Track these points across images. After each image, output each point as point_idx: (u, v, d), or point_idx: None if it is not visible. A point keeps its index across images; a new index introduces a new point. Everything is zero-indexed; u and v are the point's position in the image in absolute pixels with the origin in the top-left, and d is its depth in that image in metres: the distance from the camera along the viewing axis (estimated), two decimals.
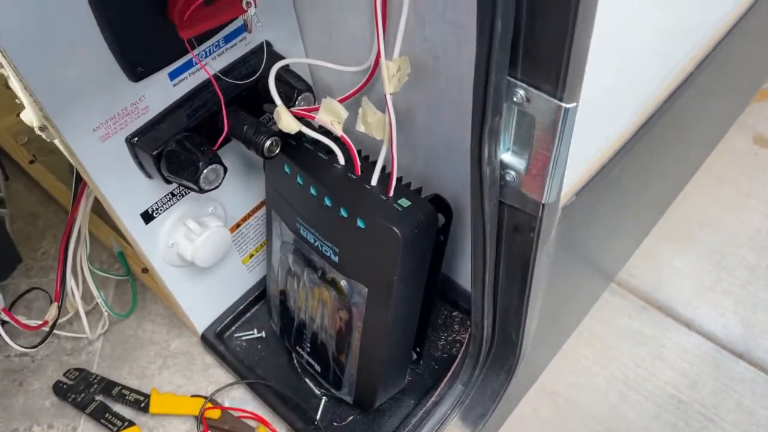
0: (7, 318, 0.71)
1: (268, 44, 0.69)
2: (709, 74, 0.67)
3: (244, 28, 0.62)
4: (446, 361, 0.82)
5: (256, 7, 0.57)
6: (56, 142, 0.93)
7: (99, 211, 0.82)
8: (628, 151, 0.59)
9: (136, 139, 0.63)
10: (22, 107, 1.01)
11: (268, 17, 0.66)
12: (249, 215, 0.83)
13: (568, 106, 0.39)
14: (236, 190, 0.78)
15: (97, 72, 0.57)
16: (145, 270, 0.94)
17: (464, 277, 0.86)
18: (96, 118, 0.59)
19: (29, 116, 0.95)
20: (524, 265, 0.56)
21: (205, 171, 0.61)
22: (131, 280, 0.94)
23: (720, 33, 0.65)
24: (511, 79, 0.41)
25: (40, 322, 0.76)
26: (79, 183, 0.76)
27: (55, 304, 0.77)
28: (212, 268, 0.81)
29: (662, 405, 0.93)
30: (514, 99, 0.41)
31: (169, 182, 0.65)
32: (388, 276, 0.63)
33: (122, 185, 0.65)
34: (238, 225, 0.82)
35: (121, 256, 0.94)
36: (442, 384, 0.75)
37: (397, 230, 0.60)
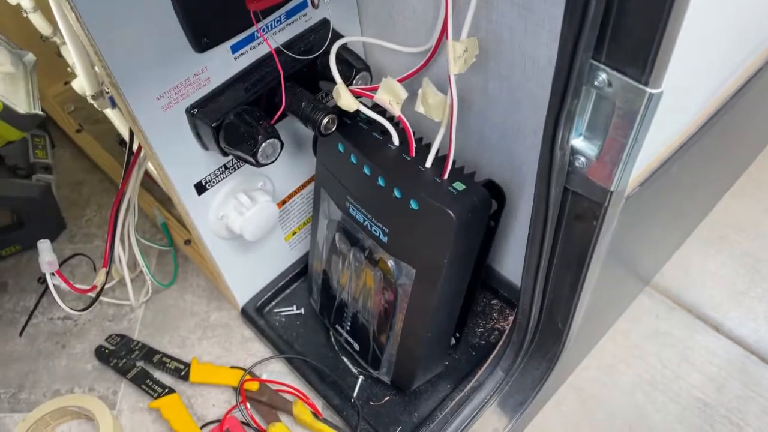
0: (59, 281, 0.72)
1: (327, 21, 0.69)
2: None
3: (311, 3, 0.62)
4: (484, 348, 0.82)
5: None
6: (107, 111, 0.95)
7: (143, 182, 0.84)
8: (690, 147, 0.58)
9: (196, 110, 0.63)
10: (72, 75, 1.02)
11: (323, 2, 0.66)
12: (295, 193, 0.83)
13: (654, 91, 0.39)
14: (285, 167, 0.79)
15: (165, 41, 0.57)
16: (187, 242, 0.95)
17: (505, 266, 0.86)
18: (160, 86, 0.60)
19: (81, 84, 0.97)
20: (582, 254, 0.56)
21: (263, 145, 0.62)
22: (173, 252, 0.95)
23: None
24: (594, 62, 0.40)
25: (89, 287, 0.77)
26: (131, 153, 0.77)
27: (103, 270, 0.78)
28: (256, 243, 0.82)
29: (687, 407, 0.92)
30: (595, 82, 0.41)
31: (225, 154, 0.65)
32: (438, 258, 0.63)
33: (179, 155, 0.66)
34: (284, 202, 0.82)
35: (164, 227, 0.96)
36: (482, 369, 0.75)
37: (451, 213, 0.60)
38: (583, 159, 0.47)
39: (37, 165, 1.03)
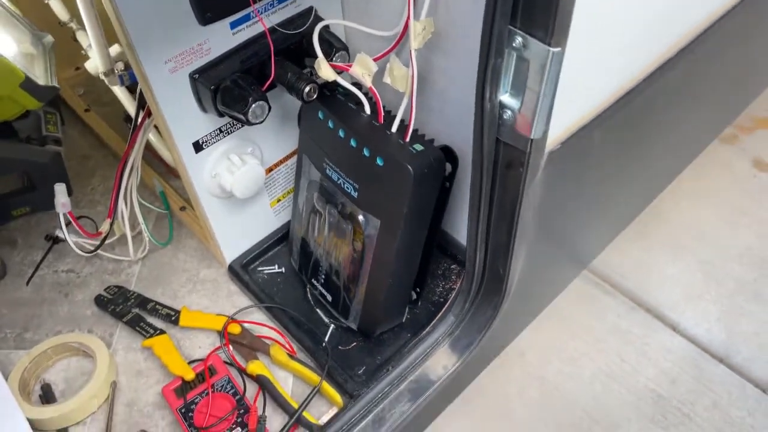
0: (70, 222, 0.82)
1: (313, 9, 0.81)
2: (698, 55, 0.77)
3: None
4: (442, 305, 0.92)
5: None
6: (115, 88, 1.06)
7: (145, 155, 0.94)
8: (609, 117, 0.70)
9: (197, 75, 0.75)
10: (85, 58, 1.14)
11: None
12: (280, 162, 0.94)
13: (555, 50, 0.51)
14: (272, 136, 0.90)
15: (175, 13, 0.69)
16: (182, 208, 1.06)
17: (462, 234, 0.97)
18: (168, 51, 0.71)
19: (94, 64, 1.08)
20: (513, 201, 0.67)
21: (253, 105, 0.73)
22: (169, 216, 1.06)
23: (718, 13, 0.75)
24: (512, 28, 0.52)
25: (95, 233, 0.87)
26: (137, 119, 0.87)
27: (108, 220, 0.89)
28: (244, 205, 0.93)
29: (642, 398, 1.00)
30: (513, 44, 0.53)
31: (221, 115, 0.77)
32: (399, 209, 0.74)
33: (181, 115, 0.77)
34: (270, 169, 0.93)
35: (162, 195, 1.06)
36: (437, 317, 0.86)
37: (410, 167, 0.71)
38: (509, 112, 0.59)
39: (48, 138, 1.13)
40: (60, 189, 0.80)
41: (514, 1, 0.50)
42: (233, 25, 0.75)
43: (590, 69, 0.62)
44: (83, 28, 1.11)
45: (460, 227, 0.96)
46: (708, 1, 0.76)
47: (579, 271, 1.15)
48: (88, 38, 1.09)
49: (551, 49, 0.51)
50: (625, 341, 1.07)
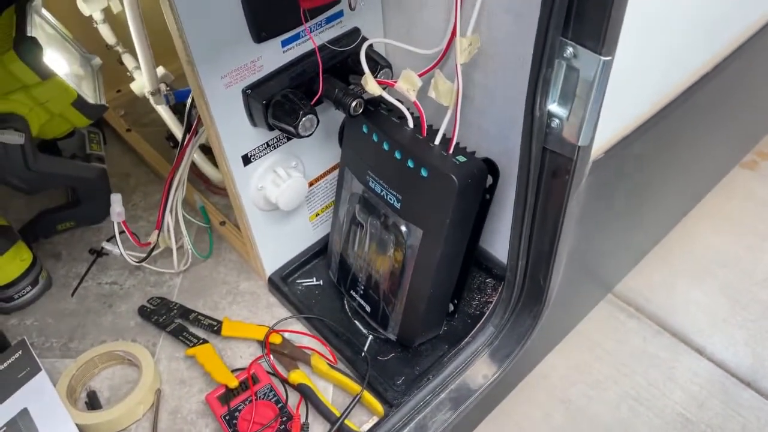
0: (123, 231, 0.85)
1: (357, 29, 0.85)
2: (736, 71, 0.80)
3: (349, 5, 0.78)
4: (478, 318, 0.94)
5: None
6: (159, 108, 1.10)
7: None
8: (649, 128, 0.73)
9: (250, 90, 0.78)
10: (129, 80, 1.19)
11: (360, 9, 0.82)
12: (321, 177, 0.97)
13: (605, 58, 0.53)
14: (315, 151, 0.93)
15: (232, 32, 0.73)
16: (222, 223, 1.09)
17: (498, 249, 0.99)
18: (225, 67, 0.75)
19: (140, 84, 1.13)
20: (557, 209, 0.69)
21: (304, 119, 0.77)
22: (209, 230, 1.09)
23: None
24: (563, 39, 0.55)
25: (145, 243, 0.90)
26: (185, 136, 0.91)
27: (156, 231, 0.92)
28: (285, 219, 0.96)
29: (670, 422, 0.99)
30: (564, 54, 0.56)
31: (271, 129, 0.80)
32: (442, 218, 0.77)
33: (232, 129, 0.80)
34: (311, 183, 0.96)
35: (203, 210, 1.09)
36: (477, 327, 0.87)
37: (454, 177, 0.74)
38: (557, 120, 0.61)
39: (92, 156, 1.18)
40: (116, 198, 0.83)
41: (567, 12, 0.53)
42: (284, 43, 0.79)
43: (634, 78, 0.64)
44: (129, 51, 1.16)
45: (494, 241, 0.98)
46: (747, 14, 0.79)
47: (605, 294, 1.16)
48: (134, 60, 1.15)
49: (602, 57, 0.54)
50: (651, 364, 1.08)
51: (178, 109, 1.10)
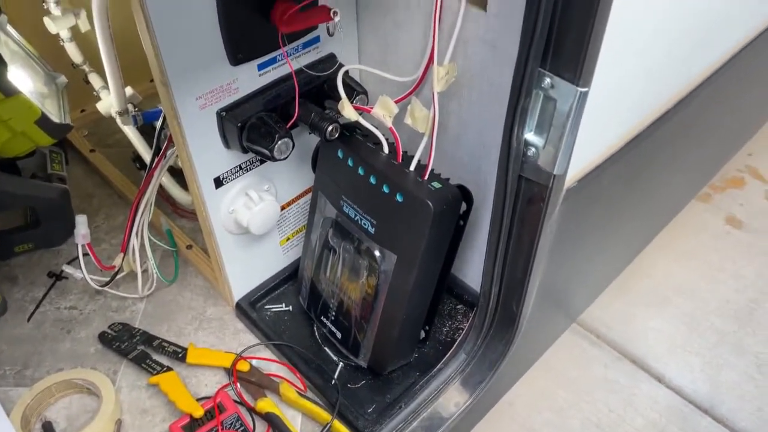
0: (87, 254, 0.82)
1: (333, 55, 0.86)
2: (694, 107, 0.84)
3: (328, 32, 0.78)
4: (449, 344, 0.94)
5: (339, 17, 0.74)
6: (126, 129, 1.08)
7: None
8: (618, 159, 0.75)
9: (225, 112, 0.77)
10: (92, 101, 1.17)
11: (338, 35, 0.83)
12: (293, 201, 0.96)
13: (582, 90, 0.55)
14: (288, 175, 0.92)
15: (208, 53, 0.72)
16: (189, 246, 1.07)
17: (470, 276, 0.99)
18: (200, 88, 0.74)
19: (106, 104, 1.11)
20: (531, 236, 0.70)
21: (279, 142, 0.76)
22: (175, 254, 1.06)
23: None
24: (541, 70, 0.56)
25: (109, 266, 0.87)
26: (154, 158, 0.89)
27: (121, 254, 0.89)
28: (255, 243, 0.95)
29: None
30: (542, 85, 0.57)
31: (246, 151, 0.79)
32: (416, 244, 0.77)
33: (205, 150, 0.79)
34: (283, 207, 0.95)
35: (169, 233, 1.07)
36: (449, 354, 0.87)
37: (430, 203, 0.74)
38: (533, 149, 0.62)
39: (53, 176, 1.14)
40: (81, 220, 0.81)
41: (546, 44, 0.55)
42: (260, 66, 0.79)
43: (609, 109, 0.66)
44: (96, 70, 1.14)
45: (465, 268, 0.99)
46: (713, 50, 0.83)
47: (570, 323, 1.18)
48: (101, 79, 1.13)
49: (579, 89, 0.55)
50: (611, 391, 1.09)
51: (145, 130, 1.08)
